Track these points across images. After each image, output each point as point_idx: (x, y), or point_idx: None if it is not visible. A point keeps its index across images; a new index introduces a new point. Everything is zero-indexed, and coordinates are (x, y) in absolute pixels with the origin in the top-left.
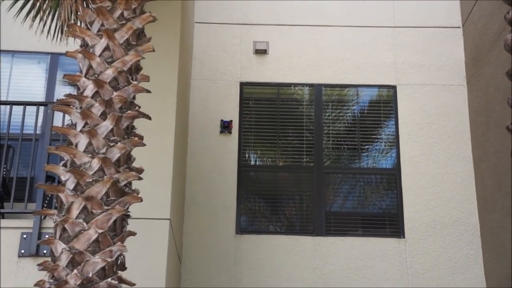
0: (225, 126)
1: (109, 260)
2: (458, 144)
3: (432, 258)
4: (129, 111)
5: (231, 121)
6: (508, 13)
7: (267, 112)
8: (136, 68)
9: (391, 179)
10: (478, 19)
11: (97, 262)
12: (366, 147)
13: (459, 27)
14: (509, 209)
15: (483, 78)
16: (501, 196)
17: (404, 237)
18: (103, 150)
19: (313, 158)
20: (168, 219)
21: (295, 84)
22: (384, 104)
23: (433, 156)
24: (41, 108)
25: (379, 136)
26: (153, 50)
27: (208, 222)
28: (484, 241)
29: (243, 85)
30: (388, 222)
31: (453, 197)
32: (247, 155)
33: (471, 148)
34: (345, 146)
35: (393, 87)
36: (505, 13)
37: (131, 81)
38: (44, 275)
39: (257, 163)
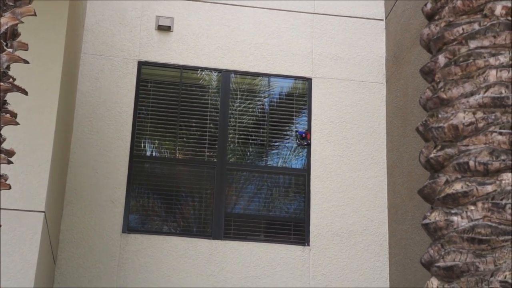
0: (303, 138)
1: None
2: (372, 146)
3: (337, 269)
4: (1, 83)
5: (307, 131)
6: (425, 5)
7: (168, 97)
8: (12, 34)
9: (300, 180)
10: (402, 12)
11: None
12: (276, 144)
13: (382, 20)
14: (420, 220)
15: (403, 77)
16: (412, 205)
17: (308, 245)
18: None
19: (216, 153)
20: (43, 211)
21: (201, 68)
22: (298, 98)
23: (346, 158)
24: None
25: (290, 133)
26: (35, 14)
27: (91, 218)
28: (391, 253)
29: (141, 64)
30: (293, 227)
31: (364, 204)
32: (142, 145)
33: (386, 152)
34: (253, 141)
35: (308, 80)
36: (422, 6)
37: (5, 48)
38: None
39: (153, 154)
